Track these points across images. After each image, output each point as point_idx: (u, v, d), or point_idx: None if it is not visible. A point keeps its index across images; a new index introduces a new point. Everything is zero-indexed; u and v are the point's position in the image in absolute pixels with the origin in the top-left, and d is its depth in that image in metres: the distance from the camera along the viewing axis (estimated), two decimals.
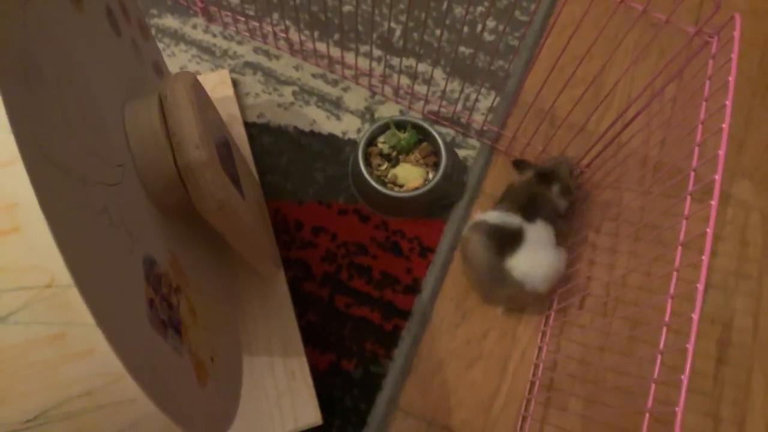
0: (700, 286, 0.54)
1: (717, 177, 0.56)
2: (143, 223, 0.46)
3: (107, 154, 0.43)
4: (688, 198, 0.62)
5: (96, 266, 0.34)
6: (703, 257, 0.55)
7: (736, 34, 0.59)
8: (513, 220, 0.79)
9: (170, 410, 0.38)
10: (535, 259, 0.77)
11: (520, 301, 0.83)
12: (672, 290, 0.60)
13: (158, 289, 0.45)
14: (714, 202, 0.57)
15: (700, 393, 0.82)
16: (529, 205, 0.80)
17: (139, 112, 0.49)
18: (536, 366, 0.82)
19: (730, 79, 0.59)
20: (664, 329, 0.59)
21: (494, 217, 0.80)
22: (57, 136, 0.35)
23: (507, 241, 0.78)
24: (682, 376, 0.52)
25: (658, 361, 0.59)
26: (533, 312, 0.85)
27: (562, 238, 0.82)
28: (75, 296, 0.32)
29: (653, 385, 0.58)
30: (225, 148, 0.64)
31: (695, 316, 0.53)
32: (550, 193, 0.81)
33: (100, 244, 0.36)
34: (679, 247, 0.61)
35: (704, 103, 0.64)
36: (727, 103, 0.58)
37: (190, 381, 0.45)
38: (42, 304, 0.31)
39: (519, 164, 0.88)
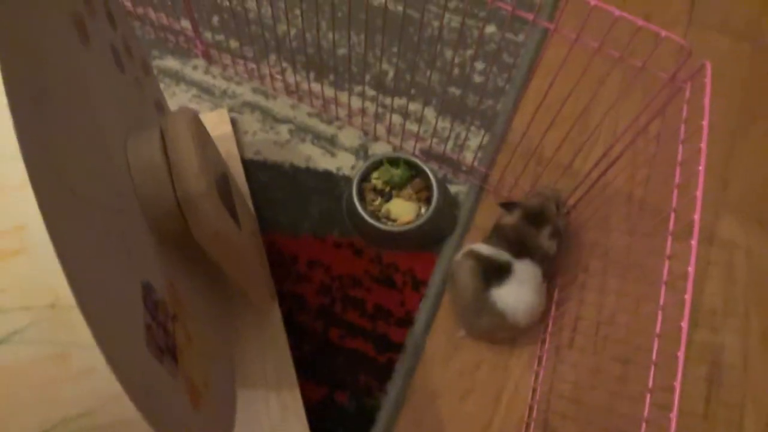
0: (684, 325, 0.56)
1: (696, 217, 0.59)
2: (143, 251, 0.48)
3: (111, 182, 0.45)
4: (669, 238, 0.64)
5: (97, 289, 0.36)
6: (686, 296, 0.57)
7: (707, 81, 0.62)
8: (502, 255, 0.81)
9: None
10: (520, 293, 0.79)
11: (500, 332, 0.83)
12: (658, 329, 0.61)
13: (155, 315, 0.46)
14: (694, 242, 0.58)
15: None
16: (518, 245, 0.81)
17: (141, 143, 0.51)
18: (530, 408, 0.82)
19: (704, 123, 0.62)
20: (652, 368, 0.61)
21: (485, 249, 0.82)
22: (65, 159, 0.37)
23: (495, 272, 0.80)
24: (671, 414, 0.53)
25: (648, 400, 0.60)
26: (525, 343, 0.86)
27: (548, 276, 0.84)
28: (77, 317, 0.33)
29: (644, 424, 0.59)
30: (223, 182, 0.66)
31: (681, 354, 0.55)
32: (540, 237, 0.82)
33: (101, 267, 0.38)
34: (663, 286, 0.63)
35: (680, 146, 0.67)
36: (702, 146, 0.61)
37: (184, 404, 0.46)
38: (46, 324, 0.33)
39: (507, 206, 0.87)
